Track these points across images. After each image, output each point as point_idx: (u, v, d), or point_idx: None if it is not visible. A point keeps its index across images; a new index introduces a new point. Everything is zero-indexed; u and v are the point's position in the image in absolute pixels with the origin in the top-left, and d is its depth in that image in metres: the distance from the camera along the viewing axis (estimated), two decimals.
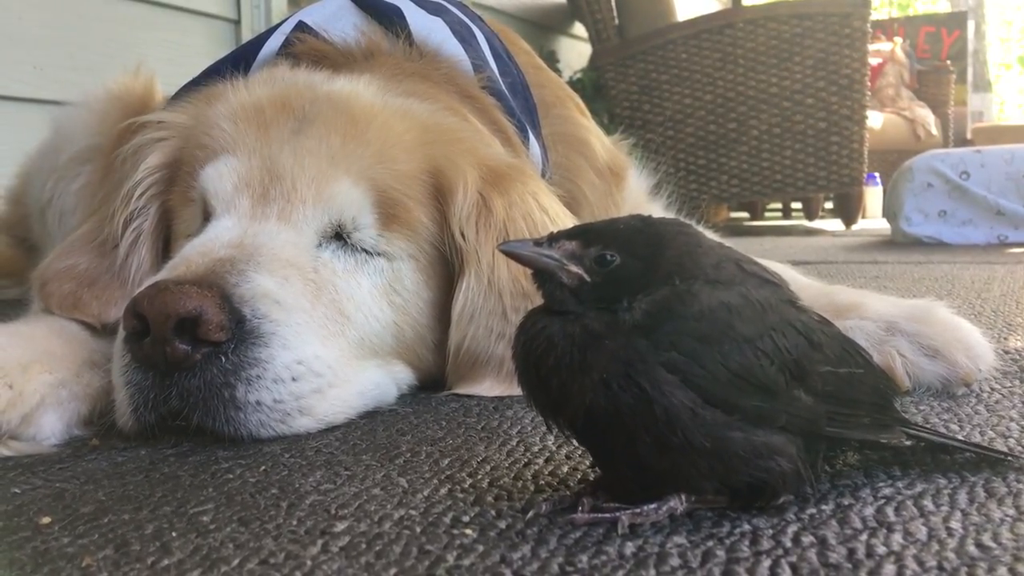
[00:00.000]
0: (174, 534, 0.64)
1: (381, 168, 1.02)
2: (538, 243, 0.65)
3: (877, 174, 5.83)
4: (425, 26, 1.26)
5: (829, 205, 6.04)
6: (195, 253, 0.92)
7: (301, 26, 1.27)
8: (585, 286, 0.64)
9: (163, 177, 1.12)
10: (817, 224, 5.65)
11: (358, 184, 1.00)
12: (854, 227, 5.12)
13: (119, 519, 0.68)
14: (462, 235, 1.03)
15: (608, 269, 0.64)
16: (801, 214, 6.25)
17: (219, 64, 1.26)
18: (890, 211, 3.68)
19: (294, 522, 0.66)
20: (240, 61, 1.23)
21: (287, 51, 1.24)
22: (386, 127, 1.04)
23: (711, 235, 0.77)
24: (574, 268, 0.64)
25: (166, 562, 0.59)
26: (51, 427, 0.90)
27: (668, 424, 0.60)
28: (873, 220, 5.72)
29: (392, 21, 1.26)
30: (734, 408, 0.62)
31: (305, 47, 1.23)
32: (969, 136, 6.91)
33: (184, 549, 0.62)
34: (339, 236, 1.00)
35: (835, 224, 5.42)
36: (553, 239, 0.65)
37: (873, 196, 5.89)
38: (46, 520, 0.68)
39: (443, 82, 1.21)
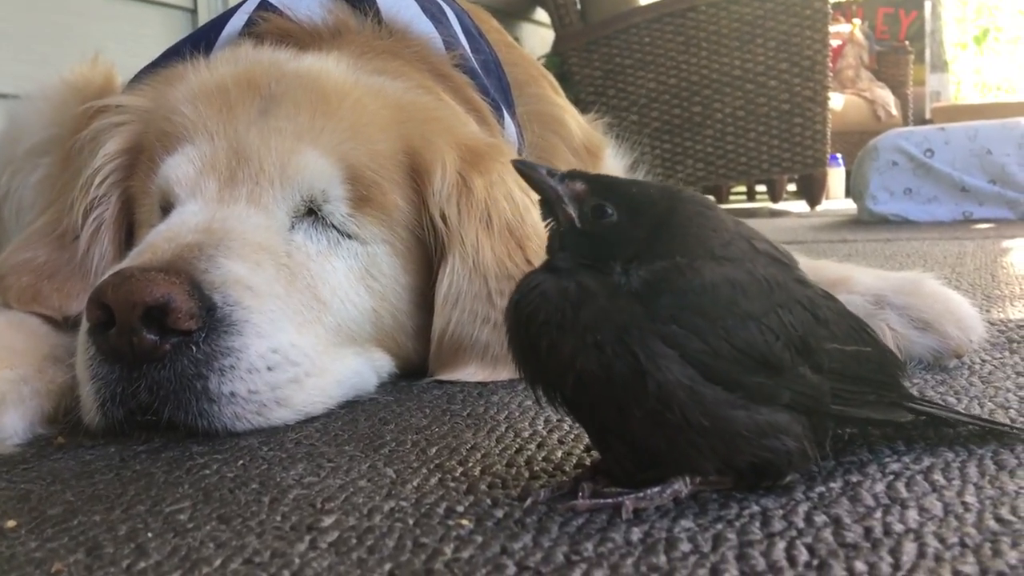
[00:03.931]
0: (150, 535, 0.60)
1: (353, 144, 0.98)
2: (551, 172, 0.63)
3: (839, 155, 5.85)
4: (394, 3, 1.21)
5: (792, 187, 6.06)
6: (161, 239, 0.88)
7: (265, 5, 1.21)
8: (573, 232, 0.61)
9: (124, 164, 1.07)
10: (782, 206, 5.66)
11: (326, 156, 0.96)
12: (818, 207, 5.14)
13: (90, 520, 0.64)
14: (442, 217, 1.00)
15: (601, 222, 0.61)
16: (765, 196, 6.27)
17: (179, 45, 1.21)
18: (856, 190, 3.68)
19: (278, 518, 0.62)
20: (201, 41, 1.18)
21: (250, 31, 1.19)
22: (358, 105, 1.00)
23: None
24: (570, 209, 0.61)
25: (142, 564, 0.56)
26: (13, 425, 0.85)
27: (661, 400, 0.57)
28: (836, 201, 5.75)
29: None
30: (737, 385, 0.59)
31: (269, 26, 1.18)
32: (928, 116, 6.95)
33: (161, 550, 0.58)
34: (311, 213, 0.96)
35: (799, 205, 5.44)
36: (566, 176, 0.62)
37: (835, 177, 5.92)
38: (11, 524, 0.63)
39: (414, 60, 1.16)
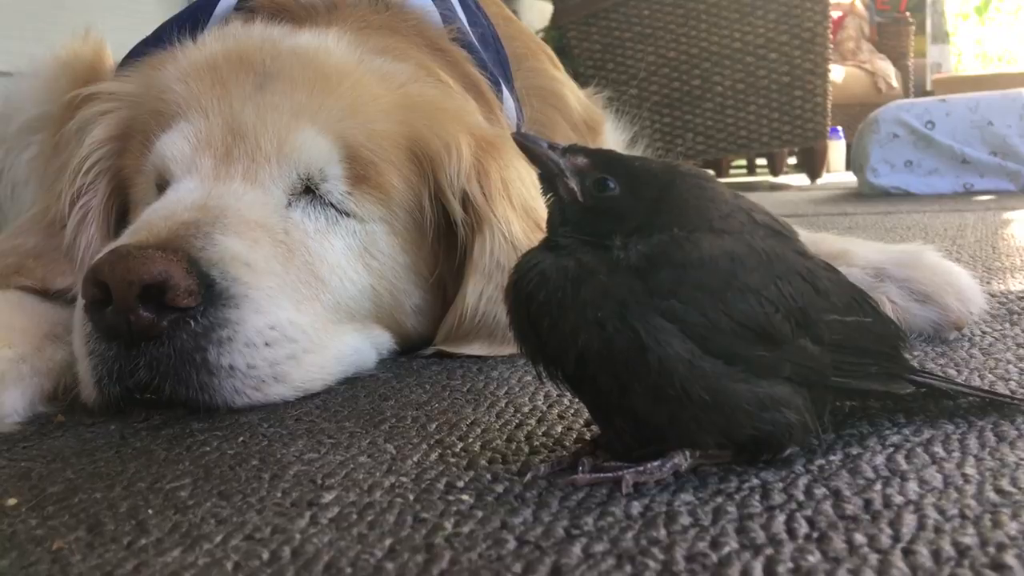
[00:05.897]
0: (150, 511, 0.61)
1: (351, 123, 0.97)
2: (552, 147, 0.62)
3: (840, 128, 5.82)
4: None
5: (792, 160, 6.03)
6: (157, 217, 0.87)
7: None
8: (574, 206, 0.61)
9: (112, 150, 1.06)
10: (782, 179, 5.65)
11: (324, 134, 0.95)
12: (819, 181, 5.12)
13: (90, 498, 0.64)
14: (463, 200, 0.99)
15: (602, 195, 0.61)
16: (766, 170, 6.25)
17: (170, 23, 1.20)
18: (856, 163, 3.67)
19: (278, 494, 0.63)
20: (187, 22, 1.17)
21: (243, 6, 1.19)
22: (359, 85, 0.99)
23: None
24: (572, 183, 0.61)
25: (143, 541, 0.56)
26: (13, 404, 0.85)
27: (662, 375, 0.57)
28: (837, 174, 5.73)
29: None
30: (737, 358, 0.59)
31: (263, 0, 1.17)
32: (929, 87, 6.91)
33: (162, 527, 0.58)
34: (308, 191, 0.95)
35: (800, 178, 5.42)
36: (568, 150, 0.62)
37: (836, 150, 5.89)
38: (12, 502, 0.64)
39: (412, 35, 1.15)
